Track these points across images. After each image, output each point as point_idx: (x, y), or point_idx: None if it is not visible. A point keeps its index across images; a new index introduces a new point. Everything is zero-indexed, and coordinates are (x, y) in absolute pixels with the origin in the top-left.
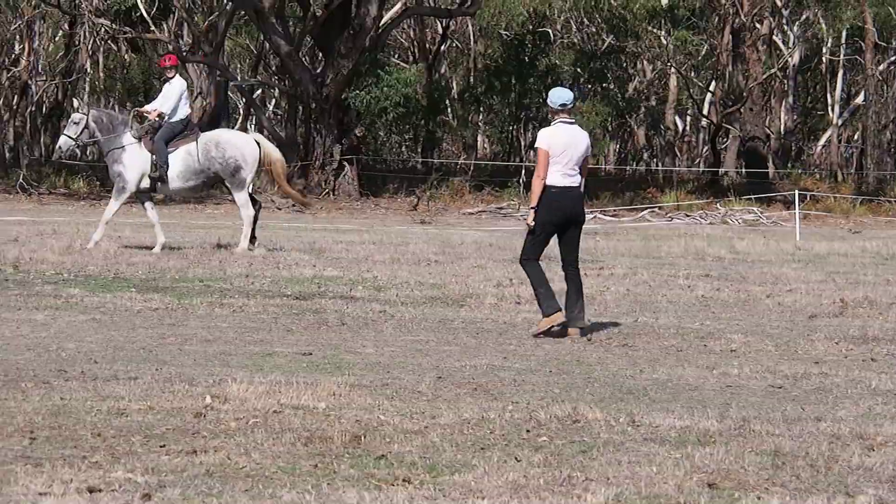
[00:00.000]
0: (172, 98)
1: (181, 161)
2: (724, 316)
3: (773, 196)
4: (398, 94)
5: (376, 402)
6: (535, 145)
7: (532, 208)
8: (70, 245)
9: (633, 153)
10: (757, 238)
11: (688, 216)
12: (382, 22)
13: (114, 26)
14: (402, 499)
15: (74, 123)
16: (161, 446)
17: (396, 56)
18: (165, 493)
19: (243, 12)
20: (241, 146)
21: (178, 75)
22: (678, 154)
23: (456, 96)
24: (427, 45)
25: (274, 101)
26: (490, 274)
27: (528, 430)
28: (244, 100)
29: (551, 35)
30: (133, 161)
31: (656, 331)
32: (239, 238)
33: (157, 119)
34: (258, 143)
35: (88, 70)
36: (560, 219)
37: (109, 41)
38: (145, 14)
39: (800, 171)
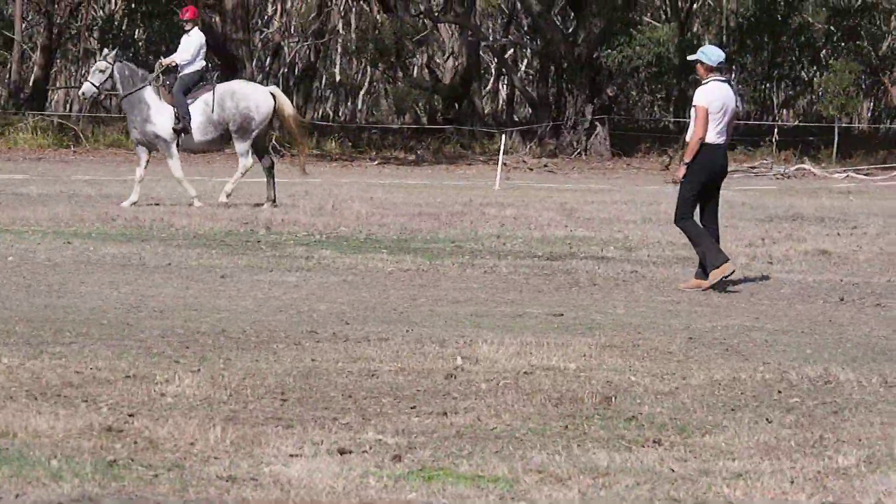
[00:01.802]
0: (190, 50)
1: (200, 112)
2: None
3: None
4: (650, 54)
5: (627, 363)
6: (694, 104)
7: (685, 164)
8: (322, 206)
9: (886, 111)
10: None
11: None
12: None
13: None
14: (652, 460)
15: (100, 71)
16: (412, 407)
17: (649, 15)
18: (416, 455)
19: None
20: (256, 97)
21: (196, 28)
22: None
23: None
24: (679, 4)
25: (525, 61)
26: (741, 234)
27: (779, 391)
28: (496, 60)
29: None
30: (160, 115)
31: None
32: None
33: (177, 71)
34: (273, 96)
35: (340, 31)
36: (711, 175)
37: (361, 1)
38: None
39: None
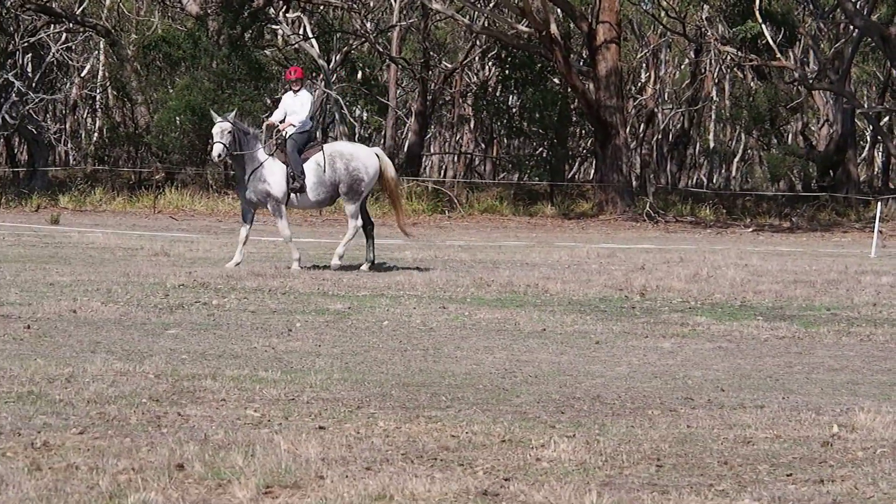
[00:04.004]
0: (305, 109)
1: (312, 173)
2: None
3: None
4: None
5: None
6: None
7: None
8: (696, 273)
9: None
10: None
11: None
12: None
13: (739, 54)
14: None
15: (228, 132)
16: (787, 475)
17: None
18: None
19: (870, 39)
20: (364, 158)
21: (303, 88)
22: None
23: None
24: None
25: None
26: None
27: None
28: (871, 127)
29: None
30: (275, 176)
31: None
32: (337, 248)
33: (285, 132)
34: (377, 157)
35: (714, 98)
36: None
37: (735, 69)
38: (771, 42)
39: None
